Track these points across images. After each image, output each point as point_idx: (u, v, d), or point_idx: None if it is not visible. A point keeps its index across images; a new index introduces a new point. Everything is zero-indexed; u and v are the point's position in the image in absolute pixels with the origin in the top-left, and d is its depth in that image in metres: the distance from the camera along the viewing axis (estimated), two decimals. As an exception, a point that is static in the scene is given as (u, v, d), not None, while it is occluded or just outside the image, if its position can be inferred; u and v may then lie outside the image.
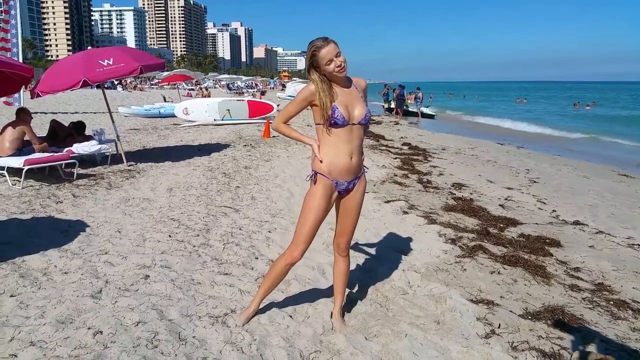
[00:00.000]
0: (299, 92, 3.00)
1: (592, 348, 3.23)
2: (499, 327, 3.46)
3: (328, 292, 3.81)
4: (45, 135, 9.17)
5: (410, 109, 28.71)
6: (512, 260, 4.86)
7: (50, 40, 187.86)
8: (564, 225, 6.48)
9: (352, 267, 4.22)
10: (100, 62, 8.04)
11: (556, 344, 3.27)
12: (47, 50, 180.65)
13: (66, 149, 8.41)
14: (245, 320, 3.22)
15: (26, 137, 7.93)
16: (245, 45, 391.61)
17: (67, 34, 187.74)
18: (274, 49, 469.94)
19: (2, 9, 14.59)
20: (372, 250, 4.93)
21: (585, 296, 4.14)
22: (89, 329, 2.99)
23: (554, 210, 7.26)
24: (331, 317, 3.40)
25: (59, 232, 5.02)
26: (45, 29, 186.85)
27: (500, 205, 7.36)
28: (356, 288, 3.99)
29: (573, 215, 7.03)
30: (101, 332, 2.95)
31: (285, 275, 3.17)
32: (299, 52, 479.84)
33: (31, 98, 8.25)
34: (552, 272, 4.66)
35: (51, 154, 7.89)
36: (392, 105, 29.03)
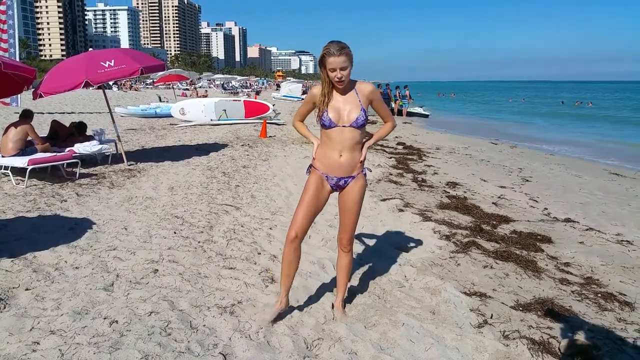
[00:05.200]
0: (308, 93, 3.24)
1: (579, 337, 3.40)
2: (491, 318, 3.64)
3: (328, 285, 4.01)
4: (46, 135, 9.30)
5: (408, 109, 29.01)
6: (504, 255, 5.04)
7: (43, 40, 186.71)
8: (555, 222, 6.68)
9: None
10: (102, 63, 8.19)
11: (546, 333, 3.44)
12: (41, 50, 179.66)
13: (68, 149, 8.54)
14: (275, 313, 3.28)
15: (29, 138, 8.06)
16: (239, 45, 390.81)
17: (60, 34, 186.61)
18: (268, 48, 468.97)
19: (-1, 9, 14.64)
20: (370, 246, 5.12)
21: (574, 289, 4.32)
22: (104, 318, 3.17)
23: (545, 208, 7.45)
24: (332, 307, 3.59)
25: (66, 230, 5.18)
26: (39, 29, 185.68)
27: (493, 203, 7.55)
28: (356, 281, 4.17)
29: (564, 212, 7.23)
30: (117, 322, 3.13)
31: (294, 258, 3.25)
32: (293, 51, 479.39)
33: (34, 99, 8.38)
34: (542, 266, 4.85)
35: (54, 154, 8.02)
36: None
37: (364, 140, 3.25)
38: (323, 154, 3.22)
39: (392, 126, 3.46)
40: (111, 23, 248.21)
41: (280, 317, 3.33)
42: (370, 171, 3.44)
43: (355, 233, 5.33)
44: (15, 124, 7.94)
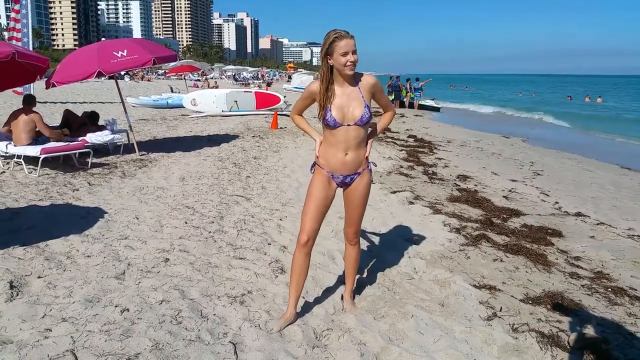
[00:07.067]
0: (305, 88, 3.13)
1: (589, 330, 3.39)
2: (500, 311, 3.64)
3: (338, 276, 4.02)
4: (58, 124, 9.37)
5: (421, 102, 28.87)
6: (514, 249, 5.02)
7: (56, 29, 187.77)
8: (566, 216, 6.63)
9: (361, 253, 4.41)
10: (115, 53, 8.22)
11: (555, 326, 3.43)
12: (54, 40, 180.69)
13: (80, 139, 8.60)
14: (283, 324, 3.13)
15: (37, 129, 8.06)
16: (251, 36, 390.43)
17: (73, 24, 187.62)
18: (279, 40, 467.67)
19: (13, -2, 14.73)
20: (380, 238, 5.12)
21: (584, 283, 4.29)
22: (116, 306, 3.22)
23: (556, 202, 7.40)
24: (342, 299, 3.60)
25: (78, 218, 5.23)
26: (52, 19, 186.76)
27: (504, 196, 7.51)
28: (365, 273, 4.19)
29: (575, 207, 7.17)
30: (128, 310, 3.17)
31: (305, 264, 3.14)
32: (305, 43, 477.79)
33: (46, 88, 8.44)
34: (553, 260, 4.82)
35: (66, 143, 8.08)
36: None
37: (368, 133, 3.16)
38: (328, 153, 3.09)
39: (392, 114, 3.39)
40: (123, 13, 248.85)
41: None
42: (376, 166, 3.41)
43: (365, 225, 5.37)
44: (24, 112, 7.87)
